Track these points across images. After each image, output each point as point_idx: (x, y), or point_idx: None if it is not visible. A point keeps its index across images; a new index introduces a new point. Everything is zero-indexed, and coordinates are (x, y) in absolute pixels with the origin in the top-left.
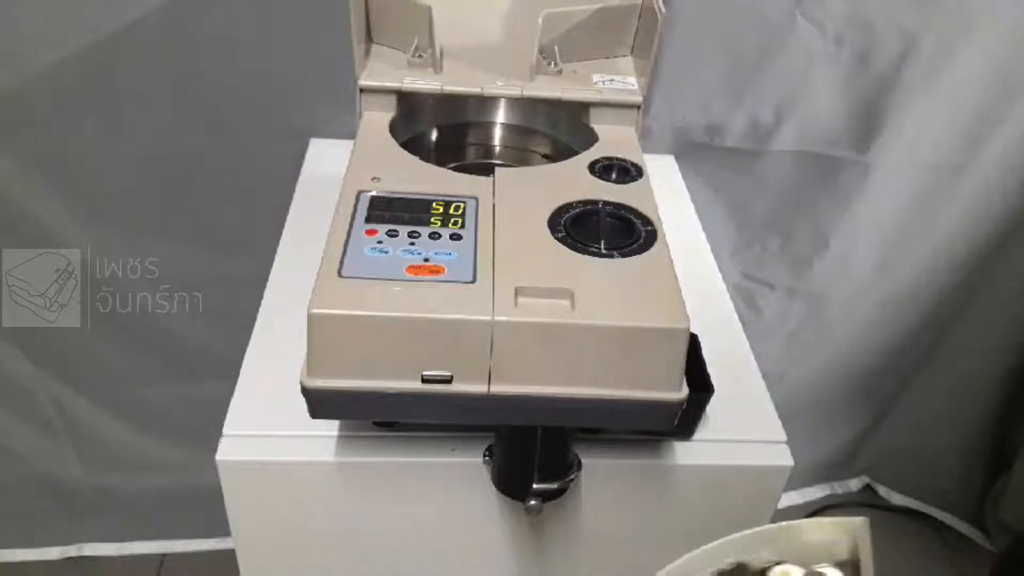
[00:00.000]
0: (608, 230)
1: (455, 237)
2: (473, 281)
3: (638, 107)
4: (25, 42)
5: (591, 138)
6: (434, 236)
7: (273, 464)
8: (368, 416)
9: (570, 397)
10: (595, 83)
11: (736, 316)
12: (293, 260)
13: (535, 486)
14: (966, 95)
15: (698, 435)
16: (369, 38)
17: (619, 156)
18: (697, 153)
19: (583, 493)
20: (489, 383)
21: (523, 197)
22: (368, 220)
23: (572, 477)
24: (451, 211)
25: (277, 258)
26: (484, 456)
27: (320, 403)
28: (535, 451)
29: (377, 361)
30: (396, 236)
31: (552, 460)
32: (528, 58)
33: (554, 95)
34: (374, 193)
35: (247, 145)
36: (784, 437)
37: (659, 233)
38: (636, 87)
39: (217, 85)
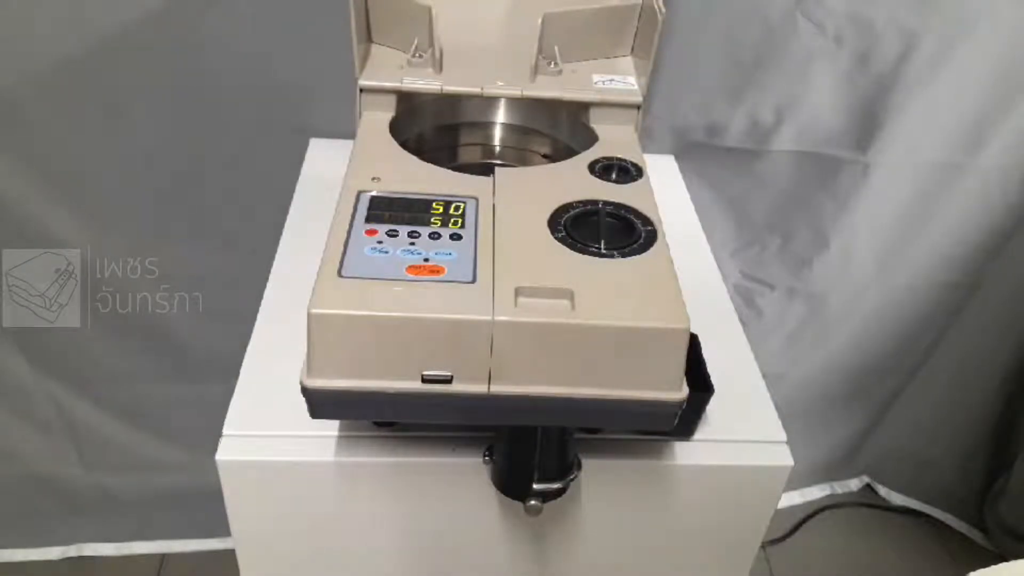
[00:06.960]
0: (608, 230)
1: (455, 237)
2: (473, 281)
3: (638, 107)
4: (25, 42)
5: (591, 138)
6: (434, 236)
7: (273, 464)
8: (368, 416)
9: (570, 397)
10: (595, 83)
11: (736, 316)
12: (293, 260)
13: (535, 486)
14: (966, 95)
15: (698, 435)
16: (369, 38)
17: (619, 156)
18: (697, 153)
19: (583, 493)
20: (489, 383)
21: (523, 197)
22: (368, 220)
23: (572, 477)
24: (451, 211)
25: (277, 258)
26: (484, 456)
27: (320, 403)
28: (535, 451)
29: (377, 361)
30: (396, 236)
31: (552, 460)
32: (528, 58)
33: (554, 95)
34: (374, 193)
35: (247, 145)
36: (784, 437)
37: (659, 233)
38: (636, 87)
39: (217, 85)
